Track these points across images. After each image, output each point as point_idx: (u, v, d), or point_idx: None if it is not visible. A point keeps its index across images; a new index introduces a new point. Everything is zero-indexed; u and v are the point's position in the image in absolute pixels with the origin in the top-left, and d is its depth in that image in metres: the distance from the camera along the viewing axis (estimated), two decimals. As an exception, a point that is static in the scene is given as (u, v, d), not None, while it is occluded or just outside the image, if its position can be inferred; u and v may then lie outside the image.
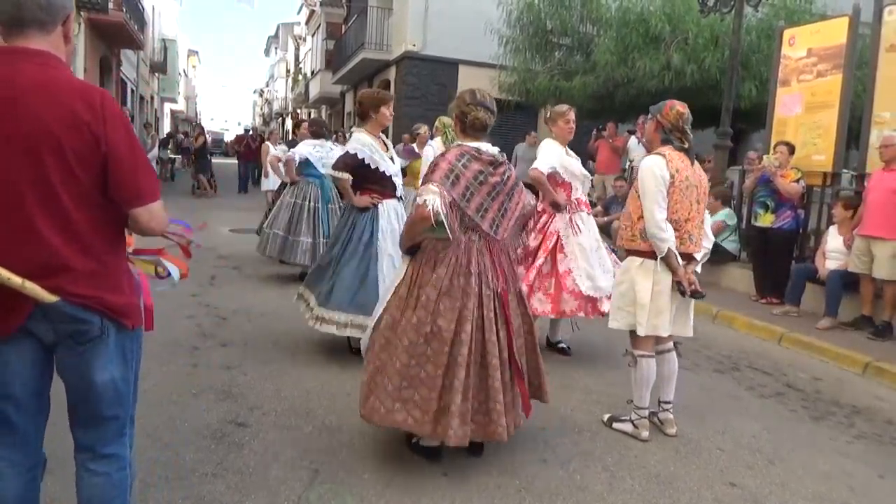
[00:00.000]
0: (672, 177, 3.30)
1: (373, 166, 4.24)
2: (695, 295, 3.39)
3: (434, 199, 2.73)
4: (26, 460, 1.84)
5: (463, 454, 3.09)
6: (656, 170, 3.31)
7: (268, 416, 3.44)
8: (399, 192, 4.47)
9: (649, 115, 3.53)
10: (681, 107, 3.42)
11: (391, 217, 4.35)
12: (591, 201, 10.65)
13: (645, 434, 3.49)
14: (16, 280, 1.63)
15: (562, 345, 4.96)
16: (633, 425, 3.53)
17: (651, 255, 3.38)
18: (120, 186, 1.73)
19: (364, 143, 4.25)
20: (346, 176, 4.26)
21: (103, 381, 1.82)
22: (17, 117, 1.61)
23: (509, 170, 3.03)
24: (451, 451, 3.06)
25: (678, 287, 3.36)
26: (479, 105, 2.96)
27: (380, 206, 4.33)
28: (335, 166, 4.36)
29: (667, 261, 3.33)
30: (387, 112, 4.33)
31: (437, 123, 7.17)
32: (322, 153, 6.74)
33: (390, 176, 4.33)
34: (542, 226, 4.65)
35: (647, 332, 3.43)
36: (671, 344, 3.61)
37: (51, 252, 1.68)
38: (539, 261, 4.55)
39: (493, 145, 3.08)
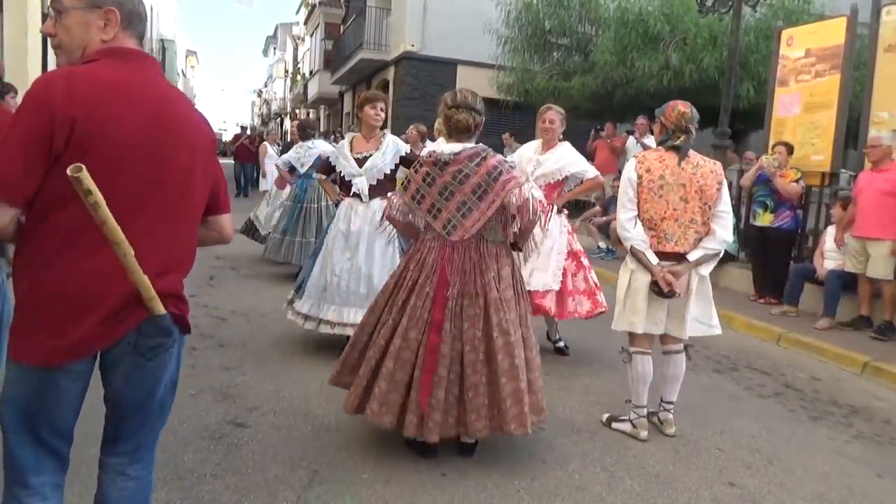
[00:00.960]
0: (640, 177, 3.38)
1: (338, 168, 4.49)
2: (668, 295, 3.34)
3: (391, 200, 3.15)
4: (64, 478, 1.79)
5: (461, 454, 3.10)
6: (625, 172, 3.48)
7: (266, 417, 3.44)
8: (356, 190, 4.39)
9: (656, 118, 3.54)
10: (683, 106, 3.42)
11: (341, 214, 4.48)
12: (590, 201, 10.69)
13: (644, 434, 3.49)
14: (151, 292, 1.57)
15: (560, 345, 4.96)
16: (632, 425, 3.53)
17: (630, 251, 3.46)
18: (218, 196, 1.86)
19: (339, 147, 4.55)
20: (320, 176, 4.73)
21: (161, 393, 1.77)
22: (186, 139, 1.71)
23: (471, 167, 2.90)
24: (448, 451, 3.07)
25: (653, 287, 3.36)
26: (460, 107, 2.98)
27: (341, 204, 4.52)
28: (316, 168, 4.90)
29: (637, 259, 3.38)
30: (371, 112, 4.35)
31: (436, 125, 7.19)
32: (300, 154, 7.09)
33: (344, 175, 4.45)
34: None
35: (621, 327, 3.51)
36: (681, 346, 3.58)
37: (182, 264, 1.76)
38: None
39: (489, 145, 3.10)
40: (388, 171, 4.41)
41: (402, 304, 2.97)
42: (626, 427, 3.55)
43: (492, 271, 2.95)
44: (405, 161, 4.45)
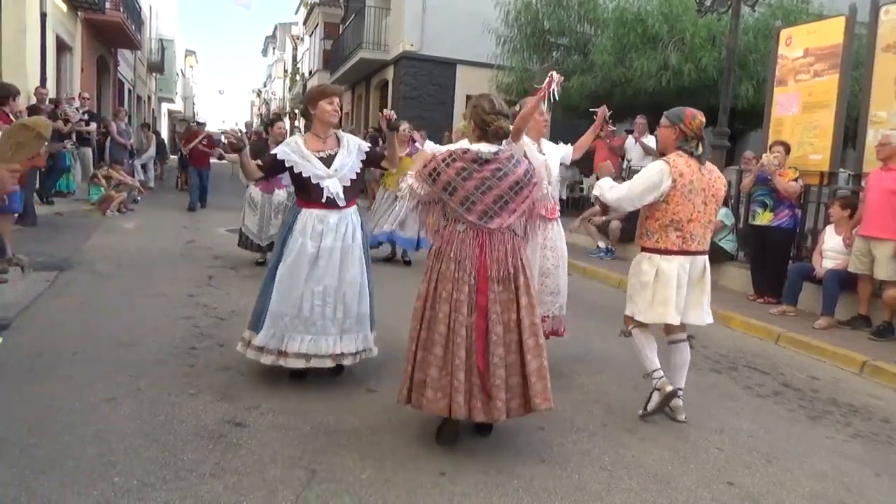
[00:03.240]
0: (674, 181, 3.54)
1: (296, 170, 3.76)
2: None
3: (411, 180, 3.17)
4: None
5: (460, 454, 3.10)
6: (655, 175, 3.57)
7: (265, 417, 3.44)
8: (330, 195, 3.76)
9: (667, 122, 3.68)
10: (701, 116, 3.64)
11: (307, 229, 3.76)
12: (589, 200, 10.70)
13: (670, 388, 3.63)
14: None
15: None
16: (658, 390, 3.68)
17: (658, 251, 3.63)
18: None
19: (289, 144, 3.85)
20: (240, 158, 3.83)
21: None
22: None
23: (510, 167, 3.12)
24: (447, 450, 3.07)
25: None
26: (499, 114, 3.14)
27: (300, 215, 3.82)
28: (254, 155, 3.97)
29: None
30: (328, 107, 3.78)
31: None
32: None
33: (309, 177, 3.76)
34: None
35: (649, 320, 3.66)
36: (685, 335, 3.80)
37: None
38: None
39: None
40: (358, 171, 3.90)
41: (441, 295, 3.08)
42: (656, 398, 3.68)
43: (519, 259, 3.16)
44: (371, 157, 3.99)
